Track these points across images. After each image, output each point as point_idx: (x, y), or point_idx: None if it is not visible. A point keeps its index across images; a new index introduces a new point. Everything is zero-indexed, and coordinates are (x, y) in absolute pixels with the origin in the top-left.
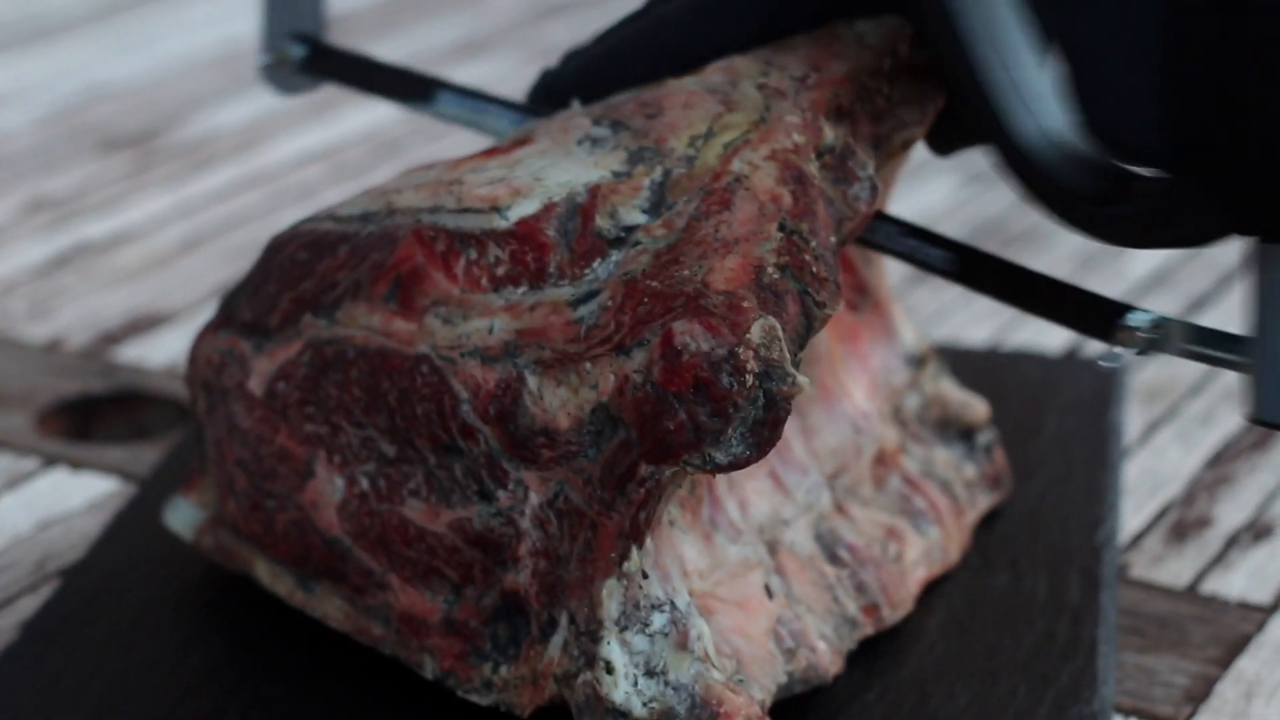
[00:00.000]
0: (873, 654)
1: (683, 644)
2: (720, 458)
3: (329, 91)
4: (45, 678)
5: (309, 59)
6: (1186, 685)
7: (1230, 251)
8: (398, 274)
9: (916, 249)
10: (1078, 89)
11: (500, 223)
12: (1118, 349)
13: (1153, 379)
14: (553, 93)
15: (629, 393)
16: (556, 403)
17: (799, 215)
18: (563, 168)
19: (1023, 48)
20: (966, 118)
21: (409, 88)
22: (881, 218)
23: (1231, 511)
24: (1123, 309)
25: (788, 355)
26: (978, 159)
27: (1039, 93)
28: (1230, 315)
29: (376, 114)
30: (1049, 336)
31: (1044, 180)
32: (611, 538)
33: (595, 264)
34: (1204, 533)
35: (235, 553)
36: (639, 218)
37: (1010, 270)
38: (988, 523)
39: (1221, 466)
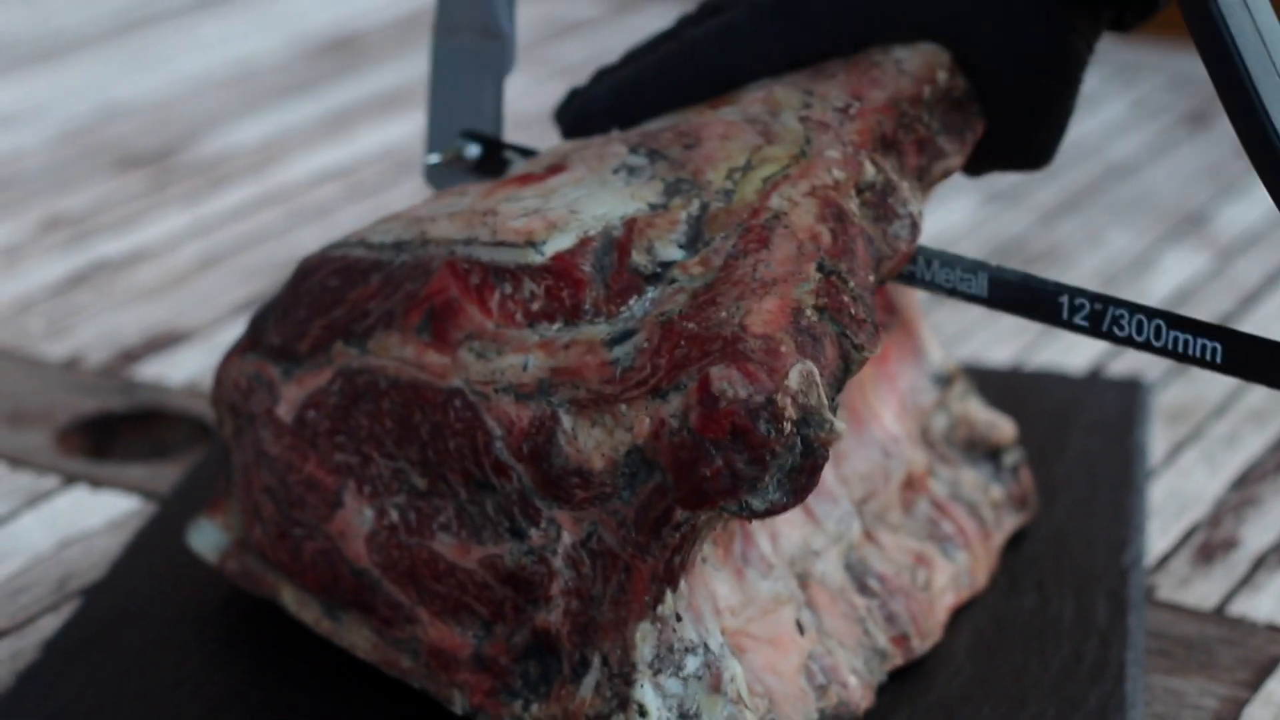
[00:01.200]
0: (901, 677)
1: (716, 686)
2: (757, 504)
3: (344, 109)
4: (67, 698)
5: (486, 159)
6: (1215, 708)
7: (1253, 272)
8: (431, 305)
9: (1177, 341)
10: None
11: (535, 258)
12: None
13: (1177, 400)
14: (582, 115)
15: (665, 437)
16: (591, 443)
17: (838, 254)
18: (599, 199)
19: None
20: (1250, 154)
21: None
22: (1141, 309)
23: (1258, 533)
24: None
25: (825, 401)
26: (999, 177)
27: None
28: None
29: (393, 132)
30: (1072, 356)
31: None
32: (645, 581)
33: (631, 301)
34: (1231, 554)
35: (261, 579)
36: (675, 253)
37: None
38: (1014, 544)
39: (1247, 488)
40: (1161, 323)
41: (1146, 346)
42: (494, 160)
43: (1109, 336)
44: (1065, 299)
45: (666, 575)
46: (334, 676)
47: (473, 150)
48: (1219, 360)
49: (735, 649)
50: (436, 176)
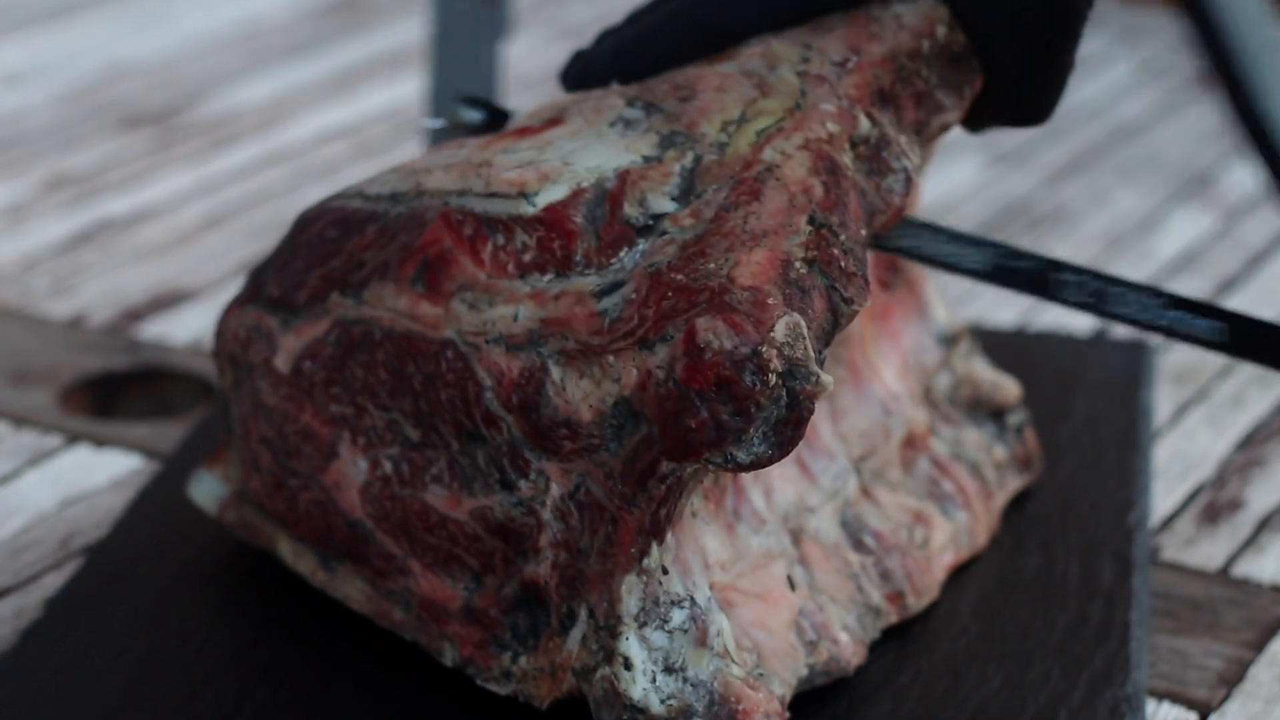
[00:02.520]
0: (905, 637)
1: (702, 640)
2: (742, 457)
3: (350, 68)
4: (70, 656)
5: (488, 126)
6: (1220, 668)
7: (1259, 232)
8: (425, 257)
9: (1179, 320)
10: None
11: (527, 209)
12: None
13: (1182, 361)
14: (586, 75)
15: (651, 388)
16: (579, 394)
17: (830, 207)
18: (593, 151)
19: None
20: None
21: None
22: (1143, 289)
23: (1263, 494)
24: None
25: (812, 354)
26: (1004, 139)
27: None
28: (1260, 296)
29: (399, 91)
30: (1078, 317)
31: None
32: (632, 533)
33: (622, 253)
34: (1235, 515)
35: (259, 529)
36: (668, 205)
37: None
38: (1018, 504)
39: (1252, 449)
40: (1159, 303)
41: (1148, 325)
42: (495, 127)
43: (1109, 315)
44: (1067, 276)
45: (653, 528)
46: (336, 635)
47: (473, 116)
48: (1222, 339)
49: (724, 603)
50: (437, 141)
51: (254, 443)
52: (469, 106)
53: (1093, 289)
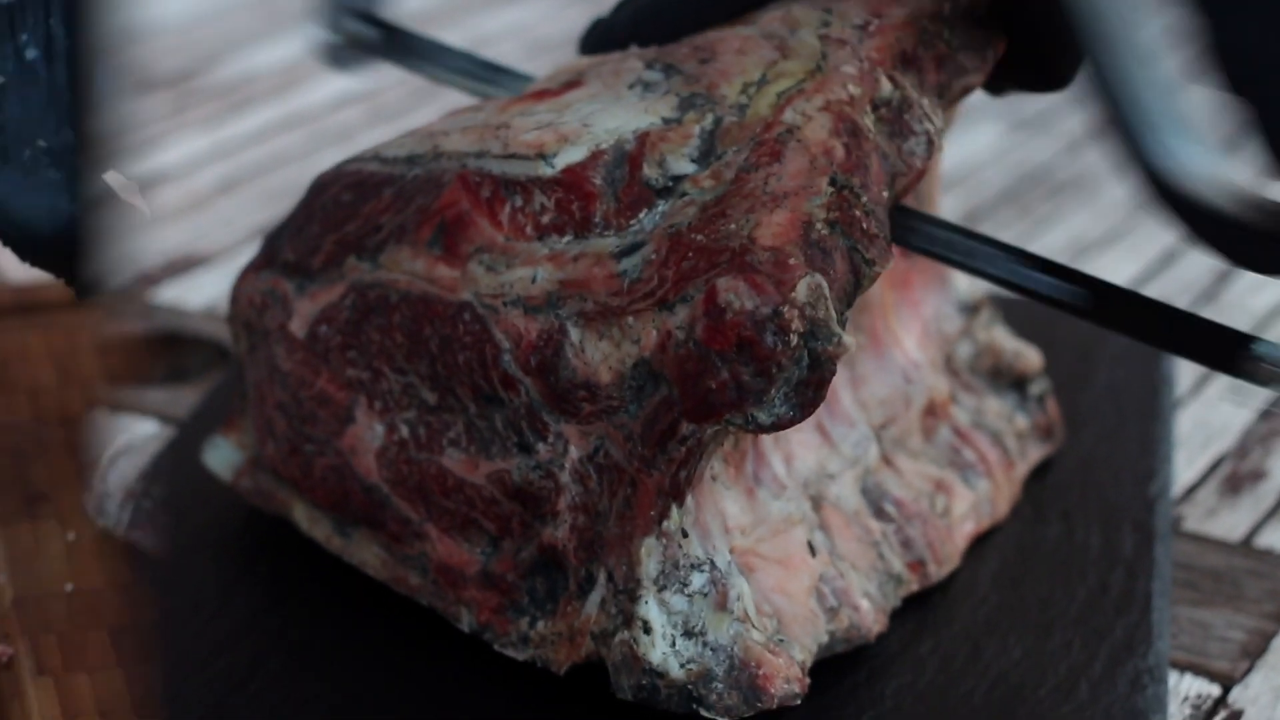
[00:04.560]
0: (925, 607)
1: (722, 604)
2: (763, 418)
3: None
4: None
5: (384, 43)
6: (1242, 640)
7: None
8: (442, 219)
9: (1043, 283)
10: (1265, 127)
11: (546, 170)
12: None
13: None
14: (604, 41)
15: (671, 349)
16: (598, 356)
17: (851, 169)
18: (612, 113)
19: (1168, 74)
20: (1110, 144)
21: (483, 78)
22: (1006, 249)
23: None
24: (1246, 339)
25: (834, 314)
26: (1026, 104)
27: (1181, 120)
28: None
29: None
30: None
31: (1186, 207)
32: (651, 495)
33: (641, 214)
34: (1258, 486)
35: (274, 495)
36: (688, 167)
37: (1141, 304)
38: (1039, 474)
39: (1275, 418)
40: (1026, 264)
41: (1013, 286)
42: (391, 45)
43: (977, 272)
44: (935, 231)
45: (672, 490)
46: (350, 601)
47: (366, 32)
48: (1085, 305)
49: (744, 568)
50: (333, 55)
51: (269, 408)
52: (358, 20)
53: (961, 246)
